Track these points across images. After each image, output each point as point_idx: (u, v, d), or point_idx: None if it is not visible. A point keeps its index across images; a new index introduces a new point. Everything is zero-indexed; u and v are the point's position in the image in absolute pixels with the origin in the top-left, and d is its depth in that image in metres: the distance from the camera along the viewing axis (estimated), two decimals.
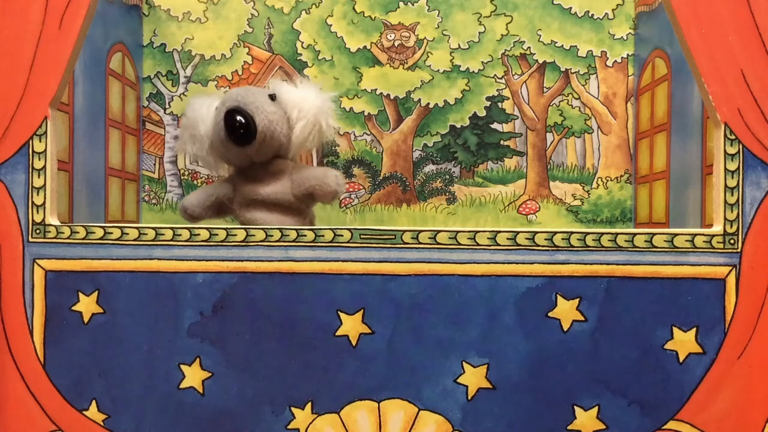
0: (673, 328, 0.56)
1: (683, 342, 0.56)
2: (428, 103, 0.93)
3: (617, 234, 0.56)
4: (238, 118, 0.69)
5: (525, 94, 0.93)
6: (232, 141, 0.70)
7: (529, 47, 0.93)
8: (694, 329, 0.56)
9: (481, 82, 0.92)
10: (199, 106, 0.75)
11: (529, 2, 0.92)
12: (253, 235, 0.57)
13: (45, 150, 0.58)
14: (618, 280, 0.56)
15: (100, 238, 0.58)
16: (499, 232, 0.56)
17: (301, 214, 0.74)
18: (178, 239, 0.57)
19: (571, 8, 0.92)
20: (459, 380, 0.56)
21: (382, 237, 0.57)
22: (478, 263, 0.56)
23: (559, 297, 0.56)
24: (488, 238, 0.56)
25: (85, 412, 0.58)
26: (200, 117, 0.74)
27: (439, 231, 0.57)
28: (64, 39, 0.58)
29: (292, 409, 0.57)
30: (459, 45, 0.93)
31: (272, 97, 0.73)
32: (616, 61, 0.92)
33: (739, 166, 0.56)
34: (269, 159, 0.73)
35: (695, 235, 0.56)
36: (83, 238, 0.58)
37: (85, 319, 0.58)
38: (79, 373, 0.58)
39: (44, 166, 0.58)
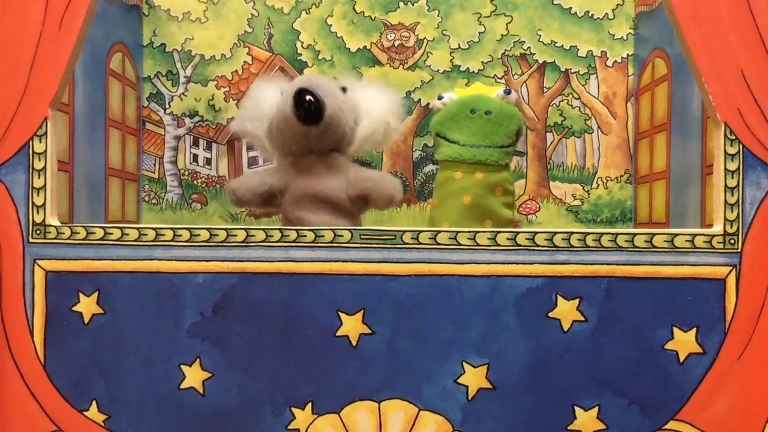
0: (674, 328, 0.56)
1: (683, 342, 0.56)
2: (428, 103, 0.93)
3: (617, 234, 0.56)
4: (308, 97, 0.67)
5: (525, 94, 0.93)
6: (299, 118, 0.67)
7: (529, 47, 0.93)
8: (694, 329, 0.56)
9: (482, 82, 0.92)
10: (265, 86, 0.74)
11: (529, 2, 0.92)
12: (254, 236, 0.57)
13: (45, 150, 0.58)
14: (618, 280, 0.56)
15: (101, 239, 0.58)
16: (499, 232, 0.56)
17: (351, 217, 0.72)
18: (178, 240, 0.57)
19: (571, 8, 0.92)
20: (459, 380, 0.56)
21: (382, 237, 0.57)
22: (478, 263, 0.56)
23: (559, 297, 0.56)
24: (488, 239, 0.56)
25: (85, 413, 0.58)
26: (264, 97, 0.72)
27: (439, 231, 0.57)
28: (64, 39, 0.58)
29: (293, 409, 0.57)
30: (459, 45, 0.93)
31: (343, 90, 0.72)
32: (616, 61, 0.92)
33: (739, 166, 0.56)
34: (327, 151, 0.71)
35: (695, 235, 0.56)
36: (83, 239, 0.58)
37: (86, 320, 0.58)
38: (79, 374, 0.58)
39: (44, 167, 0.58)
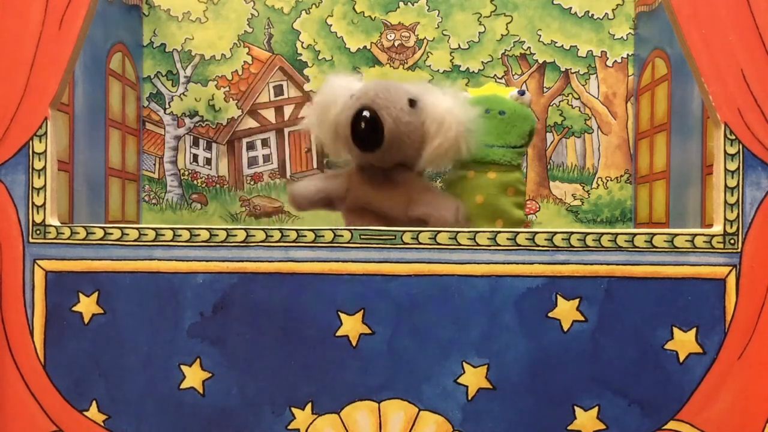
0: (673, 328, 0.56)
1: (683, 342, 0.56)
2: None
3: (617, 234, 0.56)
4: (365, 118, 0.64)
5: None
6: (355, 143, 0.65)
7: (529, 47, 0.93)
8: (694, 329, 0.56)
9: (481, 82, 0.92)
10: (336, 87, 0.70)
11: (529, 2, 0.92)
12: (254, 236, 0.57)
13: (45, 150, 0.58)
14: (618, 280, 0.56)
15: (101, 239, 0.58)
16: (499, 232, 0.56)
17: None
18: (178, 240, 0.57)
19: (571, 8, 0.92)
20: (459, 380, 0.56)
21: (382, 237, 0.57)
22: (478, 263, 0.56)
23: (559, 297, 0.56)
24: (488, 239, 0.56)
25: (85, 413, 0.58)
26: (333, 100, 0.69)
27: (439, 231, 0.57)
28: (64, 39, 0.58)
29: (293, 409, 0.57)
30: (459, 45, 0.93)
31: (412, 102, 0.67)
32: (616, 61, 0.92)
33: (739, 166, 0.56)
34: (393, 166, 0.68)
35: (695, 235, 0.56)
36: (83, 239, 0.58)
37: (86, 320, 0.58)
38: (79, 374, 0.58)
39: (44, 167, 0.58)
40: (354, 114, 0.65)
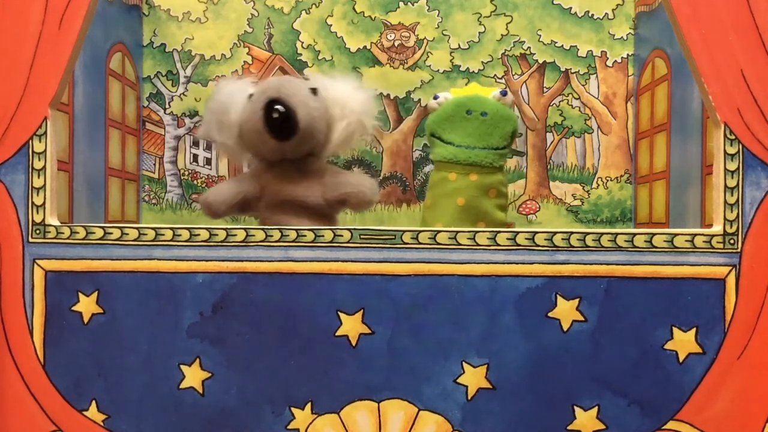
0: (673, 328, 0.56)
1: (683, 342, 0.56)
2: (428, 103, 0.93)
3: (617, 234, 0.56)
4: (280, 109, 0.65)
5: (525, 94, 0.93)
6: (271, 134, 0.66)
7: (529, 47, 0.93)
8: (694, 329, 0.55)
9: (481, 82, 0.92)
10: (231, 90, 0.70)
11: (529, 2, 0.92)
12: (253, 236, 0.57)
13: (45, 150, 0.58)
14: (618, 280, 0.56)
15: (100, 239, 0.58)
16: (499, 232, 0.56)
17: (330, 220, 0.71)
18: (177, 239, 0.57)
19: (571, 8, 0.92)
20: (459, 380, 0.56)
21: (382, 237, 0.57)
22: (478, 263, 0.56)
23: (559, 297, 0.56)
24: (488, 238, 0.56)
25: (85, 413, 0.58)
26: (231, 102, 0.69)
27: (439, 231, 0.57)
28: (64, 39, 0.58)
29: (292, 409, 0.57)
30: (459, 45, 0.93)
31: (314, 91, 0.69)
32: (616, 61, 0.92)
33: (739, 166, 0.56)
34: (302, 157, 0.69)
35: (695, 235, 0.56)
36: (83, 239, 0.58)
37: (85, 320, 0.58)
38: (79, 374, 0.58)
39: (44, 167, 0.58)
40: (265, 107, 0.65)
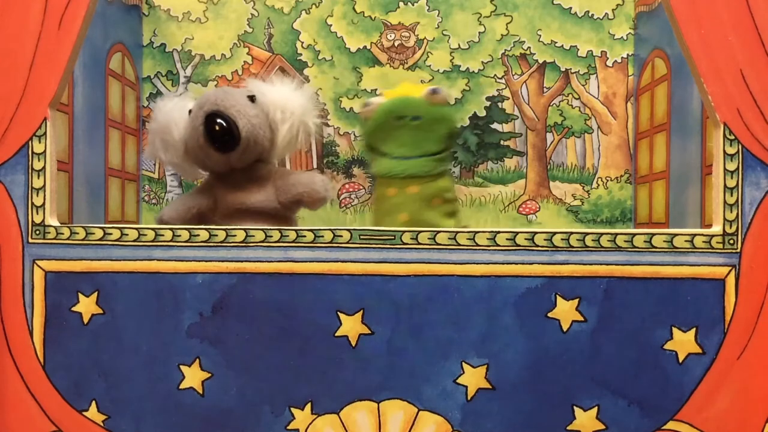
0: (673, 328, 0.56)
1: (683, 342, 0.56)
2: None
3: (617, 234, 0.56)
4: (219, 122, 0.65)
5: (525, 94, 0.93)
6: (213, 148, 0.66)
7: (529, 47, 0.93)
8: (694, 329, 0.55)
9: (481, 82, 0.92)
10: (170, 108, 0.71)
11: (529, 2, 0.92)
12: (253, 236, 0.57)
13: (45, 151, 0.58)
14: (617, 281, 0.56)
15: (100, 239, 0.58)
16: (499, 232, 0.56)
17: (287, 221, 0.71)
18: (177, 240, 0.57)
19: (571, 8, 0.92)
20: (458, 381, 0.56)
21: (381, 237, 0.57)
22: (477, 263, 0.56)
23: (558, 297, 0.56)
24: (488, 239, 0.56)
25: (84, 413, 0.58)
26: (172, 120, 0.70)
27: (438, 231, 0.57)
28: (63, 39, 0.58)
29: (292, 409, 0.57)
30: (459, 45, 0.93)
31: (252, 99, 0.69)
32: (616, 61, 0.92)
33: (738, 166, 0.56)
34: (250, 164, 0.69)
35: (695, 235, 0.56)
36: (83, 239, 0.58)
37: (85, 320, 0.58)
38: (78, 374, 0.58)
39: (44, 167, 0.58)
40: (204, 121, 0.65)
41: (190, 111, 0.69)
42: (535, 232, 0.56)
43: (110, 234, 0.58)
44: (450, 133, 0.69)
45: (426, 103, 0.68)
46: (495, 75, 0.93)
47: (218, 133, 0.65)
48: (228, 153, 0.67)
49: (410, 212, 0.68)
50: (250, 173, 0.70)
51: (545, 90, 0.93)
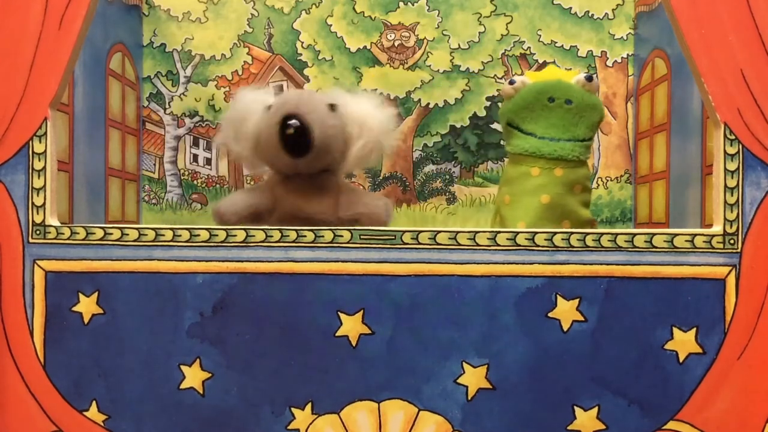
0: (673, 328, 0.56)
1: (683, 342, 0.56)
2: (428, 103, 0.93)
3: (617, 234, 0.56)
4: (294, 125, 0.64)
5: None
6: (285, 151, 0.65)
7: (529, 47, 0.93)
8: (694, 329, 0.56)
9: (481, 82, 0.92)
10: (250, 101, 0.70)
11: (529, 2, 0.92)
12: (253, 236, 0.57)
13: (45, 151, 0.58)
14: (618, 281, 0.56)
15: (100, 239, 0.58)
16: (499, 232, 0.56)
17: None
18: (178, 240, 0.57)
19: (571, 8, 0.92)
20: (459, 380, 0.56)
21: (381, 237, 0.57)
22: (478, 263, 0.56)
23: (559, 297, 0.56)
24: (488, 239, 0.56)
25: (85, 413, 0.58)
26: (249, 113, 0.69)
27: (439, 231, 0.57)
28: (64, 39, 0.58)
29: (292, 409, 0.57)
30: (459, 45, 0.93)
31: (332, 107, 0.68)
32: (616, 61, 0.92)
33: (738, 166, 0.56)
34: (317, 172, 0.68)
35: (695, 235, 0.56)
36: (83, 239, 0.58)
37: (85, 320, 0.58)
38: (79, 374, 0.58)
39: (44, 167, 0.58)
40: (280, 122, 0.64)
41: (269, 107, 0.68)
42: (536, 232, 0.56)
43: (111, 234, 0.58)
44: (599, 121, 0.68)
45: (579, 89, 0.68)
46: (495, 75, 0.93)
47: (292, 136, 0.64)
48: (298, 158, 0.66)
49: (552, 195, 0.67)
50: (315, 181, 0.68)
51: None
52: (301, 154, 0.65)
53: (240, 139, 0.70)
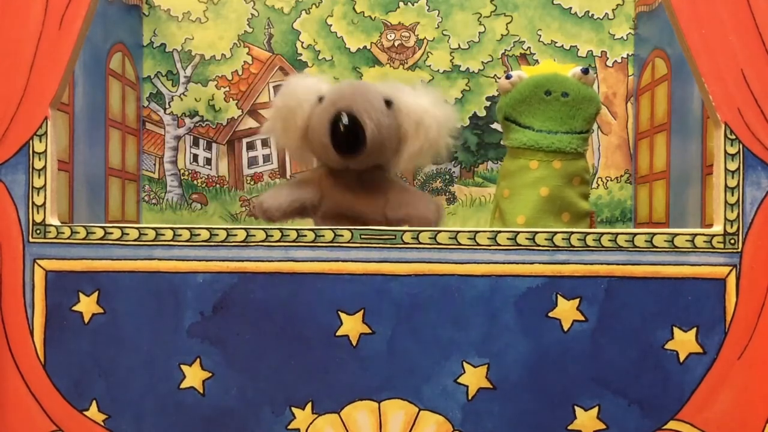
0: (674, 328, 0.56)
1: (683, 342, 0.56)
2: None
3: (617, 234, 0.56)
4: (346, 124, 0.61)
5: None
6: (335, 148, 0.63)
7: (529, 47, 0.93)
8: (695, 329, 0.56)
9: (481, 82, 0.92)
10: (301, 91, 0.67)
11: (529, 2, 0.92)
12: (254, 236, 0.57)
13: (45, 150, 0.58)
14: (618, 280, 0.56)
15: (101, 239, 0.58)
16: (499, 232, 0.56)
17: None
18: (178, 239, 0.57)
19: (571, 8, 0.92)
20: (459, 380, 0.56)
21: (382, 237, 0.57)
22: (478, 263, 0.56)
23: (559, 297, 0.56)
24: (488, 238, 0.56)
25: (85, 412, 0.58)
26: (299, 104, 0.66)
27: (439, 231, 0.57)
28: (64, 39, 0.58)
29: (293, 409, 0.57)
30: (459, 45, 0.93)
31: (388, 103, 0.65)
32: (616, 61, 0.92)
33: (739, 166, 0.56)
34: (368, 168, 0.66)
35: (695, 235, 0.56)
36: (83, 239, 0.58)
37: (86, 320, 0.58)
38: (79, 374, 0.58)
39: (44, 167, 0.58)
40: (332, 118, 0.62)
41: (321, 99, 0.65)
42: (536, 232, 0.56)
43: (111, 233, 0.58)
44: (596, 113, 0.69)
45: (576, 82, 0.68)
46: (495, 75, 0.93)
47: (343, 134, 0.62)
48: (348, 157, 0.64)
49: (551, 187, 0.67)
50: (364, 177, 0.66)
51: None
52: (352, 153, 0.63)
53: (288, 131, 0.67)
